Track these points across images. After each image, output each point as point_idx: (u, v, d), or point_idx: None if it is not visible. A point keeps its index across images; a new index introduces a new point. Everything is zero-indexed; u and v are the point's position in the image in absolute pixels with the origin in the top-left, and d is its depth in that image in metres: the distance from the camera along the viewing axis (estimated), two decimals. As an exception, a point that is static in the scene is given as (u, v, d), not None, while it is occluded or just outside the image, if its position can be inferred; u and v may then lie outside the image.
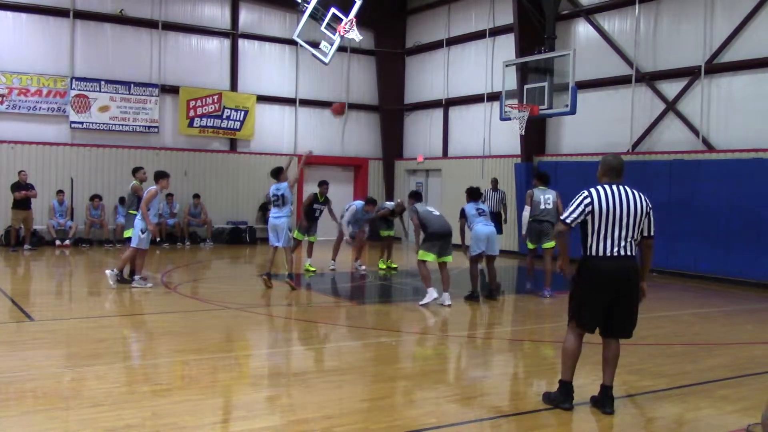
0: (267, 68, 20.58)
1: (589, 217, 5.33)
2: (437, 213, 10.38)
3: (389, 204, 14.69)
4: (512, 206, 17.28)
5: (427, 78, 21.54)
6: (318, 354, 7.68)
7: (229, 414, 5.36)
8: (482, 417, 5.43)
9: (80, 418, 4.97)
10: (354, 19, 15.75)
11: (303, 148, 18.67)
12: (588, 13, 16.59)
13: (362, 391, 5.99)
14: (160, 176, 11.16)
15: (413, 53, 22.08)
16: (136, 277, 10.98)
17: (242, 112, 19.94)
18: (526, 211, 11.28)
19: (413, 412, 5.42)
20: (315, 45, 16.23)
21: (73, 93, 17.67)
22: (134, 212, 11.22)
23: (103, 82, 18.03)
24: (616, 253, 5.28)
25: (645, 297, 5.53)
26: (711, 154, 14.08)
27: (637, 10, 15.48)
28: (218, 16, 19.83)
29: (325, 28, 16.04)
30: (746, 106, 13.67)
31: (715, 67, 14.17)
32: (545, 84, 14.92)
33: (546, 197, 11.23)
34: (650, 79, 15.33)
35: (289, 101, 20.88)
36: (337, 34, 15.85)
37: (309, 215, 13.46)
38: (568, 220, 5.41)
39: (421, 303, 10.13)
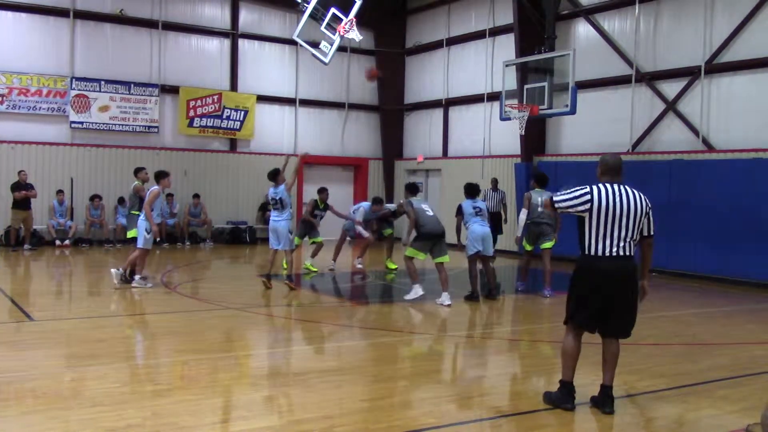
0: (267, 68, 20.58)
1: (586, 215, 5.31)
2: (431, 213, 10.38)
3: (390, 206, 14.76)
4: (512, 206, 17.28)
5: (427, 78, 21.55)
6: (318, 354, 7.68)
7: (229, 414, 5.36)
8: (482, 417, 5.43)
9: (80, 418, 4.98)
10: (354, 19, 15.76)
11: (302, 149, 18.75)
12: (588, 13, 16.59)
13: (362, 391, 5.99)
14: (162, 176, 11.17)
15: (413, 53, 22.09)
16: (137, 277, 10.98)
17: (242, 112, 19.94)
18: (523, 214, 11.30)
19: (413, 412, 5.42)
20: (315, 45, 16.24)
21: (73, 93, 17.67)
22: (137, 212, 11.22)
23: (103, 82, 18.03)
24: (614, 253, 5.26)
25: (646, 295, 5.52)
26: (711, 154, 14.08)
27: (637, 10, 15.48)
28: (218, 16, 19.84)
29: (325, 28, 16.04)
30: (746, 106, 13.68)
31: (715, 67, 14.18)
32: (545, 84, 14.93)
33: (543, 199, 11.21)
34: (650, 79, 15.33)
35: (289, 101, 20.89)
36: (337, 34, 15.86)
37: (307, 221, 13.53)
38: (557, 204, 5.41)
39: (406, 297, 10.22)
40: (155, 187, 10.95)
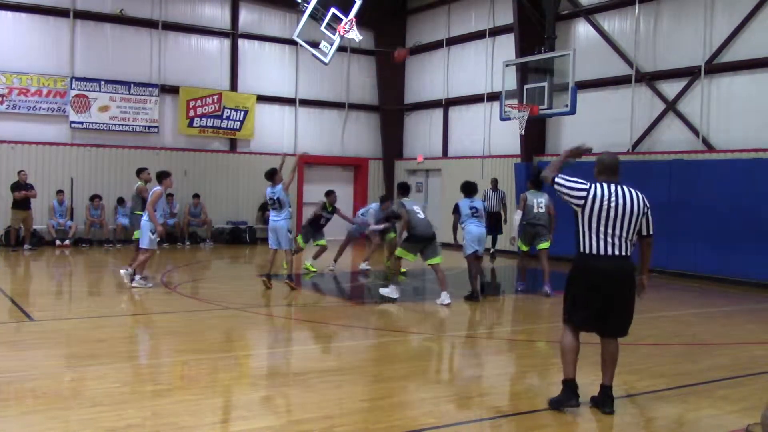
0: (267, 68, 20.58)
1: (579, 210, 5.31)
2: (422, 216, 10.38)
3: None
4: (512, 206, 17.26)
5: (427, 78, 21.54)
6: (318, 354, 7.68)
7: (229, 414, 5.36)
8: (482, 417, 5.43)
9: (80, 418, 4.98)
10: (354, 19, 15.76)
11: (302, 149, 18.75)
12: (588, 13, 16.59)
13: (362, 391, 5.99)
14: (164, 176, 11.14)
15: (413, 53, 22.05)
16: (137, 277, 10.98)
17: (242, 112, 19.94)
18: (517, 215, 11.34)
19: (413, 412, 5.42)
20: (315, 45, 16.23)
21: (73, 93, 17.67)
22: (139, 213, 11.21)
23: (103, 82, 18.03)
24: (610, 252, 5.25)
25: (645, 290, 5.52)
26: (711, 154, 14.08)
27: (637, 10, 15.48)
28: (218, 16, 19.83)
29: (325, 28, 16.04)
30: (746, 106, 13.68)
31: (715, 67, 14.17)
32: (545, 84, 14.93)
33: (539, 201, 11.24)
34: (650, 79, 15.33)
35: (289, 101, 20.88)
36: (337, 34, 15.86)
37: (314, 223, 13.46)
38: (556, 183, 5.42)
39: (381, 290, 10.40)
40: (158, 188, 10.94)
